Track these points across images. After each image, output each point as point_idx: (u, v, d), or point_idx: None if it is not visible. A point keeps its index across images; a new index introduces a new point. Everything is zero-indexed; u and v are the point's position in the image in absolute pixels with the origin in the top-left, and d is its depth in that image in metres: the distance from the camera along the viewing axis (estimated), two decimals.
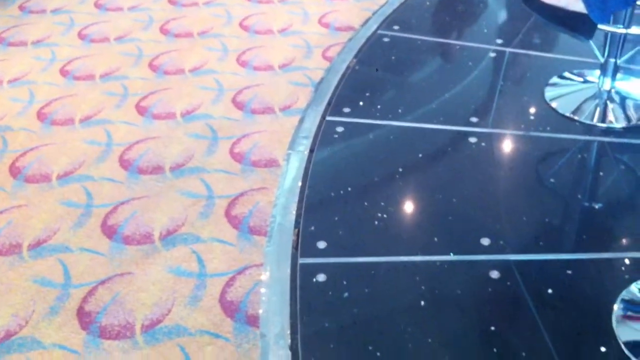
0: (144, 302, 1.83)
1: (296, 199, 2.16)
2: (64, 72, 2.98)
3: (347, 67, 2.90)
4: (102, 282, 1.90)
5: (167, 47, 3.17)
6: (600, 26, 2.30)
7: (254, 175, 2.31)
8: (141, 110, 2.70)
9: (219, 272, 1.91)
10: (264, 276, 1.86)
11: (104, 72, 2.97)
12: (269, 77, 2.91)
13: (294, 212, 2.10)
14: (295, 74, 2.92)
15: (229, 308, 1.80)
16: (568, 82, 2.72)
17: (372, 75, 2.85)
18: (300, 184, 2.22)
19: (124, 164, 2.38)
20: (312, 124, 2.54)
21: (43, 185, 2.30)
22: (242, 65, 3.00)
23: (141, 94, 2.80)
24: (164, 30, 3.31)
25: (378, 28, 3.20)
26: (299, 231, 2.02)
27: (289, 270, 1.87)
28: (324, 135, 2.46)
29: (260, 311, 1.75)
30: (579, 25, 2.18)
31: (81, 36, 3.28)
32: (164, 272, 1.92)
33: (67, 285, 1.90)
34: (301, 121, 2.57)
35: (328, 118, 2.56)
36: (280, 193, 2.19)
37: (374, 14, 3.39)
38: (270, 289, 1.81)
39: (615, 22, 2.36)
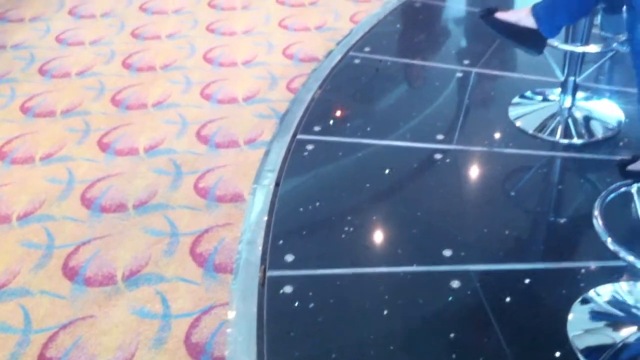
0: (107, 345, 1.80)
1: (262, 233, 2.15)
2: (24, 109, 2.94)
3: (312, 97, 2.92)
4: (64, 327, 1.86)
5: (130, 81, 3.15)
6: (560, 46, 2.38)
7: (219, 210, 2.30)
8: (103, 146, 2.67)
9: (184, 312, 1.89)
10: (230, 315, 1.84)
11: (65, 107, 2.94)
12: (234, 110, 2.90)
13: (260, 248, 2.09)
14: (259, 106, 2.92)
15: (195, 350, 1.77)
16: (530, 100, 2.79)
17: (338, 99, 2.91)
18: (266, 218, 2.21)
19: (86, 202, 2.35)
20: (277, 155, 2.55)
21: (3, 226, 2.26)
22: (206, 98, 3.00)
23: (103, 129, 2.78)
24: (126, 64, 3.30)
25: (342, 57, 3.22)
26: (265, 267, 2.00)
27: (255, 308, 1.85)
28: (291, 160, 2.49)
29: (227, 352, 1.73)
30: (533, 41, 2.25)
31: (42, 72, 3.25)
32: (127, 313, 1.89)
33: (28, 330, 1.85)
34: (266, 154, 2.57)
35: (298, 137, 2.61)
36: (245, 228, 2.18)
37: (337, 44, 3.42)
38: (236, 328, 1.79)
39: (574, 41, 2.42)
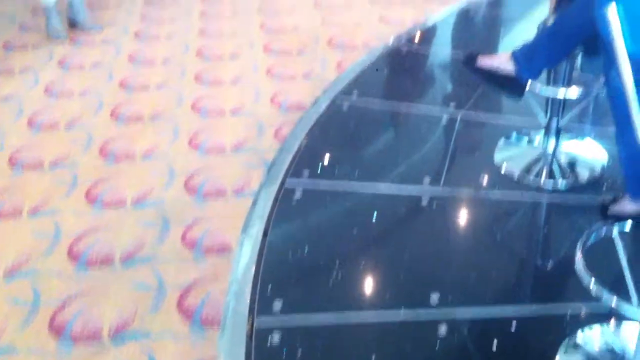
0: None
1: (250, 284, 2.15)
2: (12, 161, 2.96)
3: (300, 144, 2.95)
4: None
5: (118, 131, 3.18)
6: (542, 89, 2.44)
7: (207, 262, 2.30)
8: (91, 198, 2.68)
9: None
10: None
11: (53, 159, 2.95)
12: (221, 160, 2.93)
13: (248, 299, 2.08)
14: (247, 155, 2.95)
15: None
16: (515, 144, 2.83)
17: (326, 145, 2.96)
18: (254, 268, 2.21)
19: (73, 256, 2.35)
20: (265, 204, 2.56)
21: None
22: (194, 148, 3.03)
23: (91, 181, 2.79)
24: (114, 115, 3.33)
25: (330, 104, 3.27)
26: (253, 319, 2.00)
27: None
28: (279, 207, 2.50)
29: None
30: (513, 85, 2.30)
31: (30, 123, 3.27)
32: None
33: None
34: (254, 203, 2.58)
35: (286, 184, 2.62)
36: (233, 280, 2.18)
37: (324, 91, 3.47)
38: None
39: (555, 84, 2.47)
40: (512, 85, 2.30)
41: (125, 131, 3.18)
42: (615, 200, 2.06)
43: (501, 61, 2.28)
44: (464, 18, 4.47)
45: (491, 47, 3.84)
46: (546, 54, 2.20)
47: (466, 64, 2.40)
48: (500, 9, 4.67)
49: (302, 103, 3.38)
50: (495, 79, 2.32)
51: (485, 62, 2.33)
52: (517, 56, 2.25)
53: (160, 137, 3.12)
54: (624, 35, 1.47)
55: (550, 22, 2.31)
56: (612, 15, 1.43)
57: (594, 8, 1.55)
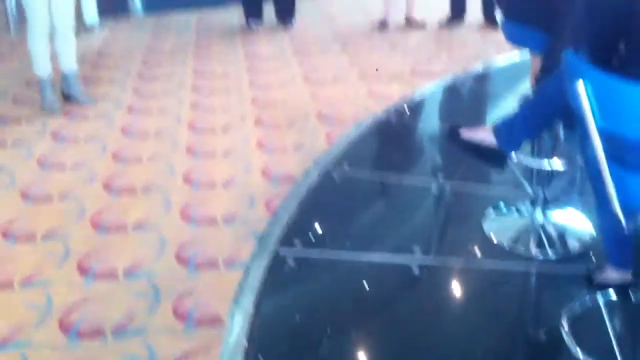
0: None
1: (241, 357, 2.16)
2: (4, 233, 2.98)
3: (291, 215, 3.01)
4: None
5: (110, 203, 3.22)
6: (527, 162, 2.55)
7: (198, 334, 2.31)
8: (82, 269, 2.70)
9: None
10: None
11: (45, 231, 2.98)
12: (213, 231, 2.97)
13: None
14: (239, 227, 2.99)
15: None
16: (504, 214, 2.91)
17: (317, 215, 3.03)
18: (245, 341, 2.22)
19: (64, 328, 2.35)
20: (256, 274, 2.59)
21: None
22: (186, 219, 3.07)
23: (83, 252, 2.81)
24: (107, 187, 3.38)
25: (320, 175, 3.36)
26: None
27: None
28: (270, 279, 2.54)
29: None
30: (495, 157, 2.38)
31: (22, 195, 3.32)
32: None
33: None
34: (245, 274, 2.61)
35: (277, 256, 2.68)
36: (224, 352, 2.19)
37: (315, 162, 3.55)
38: None
39: (539, 157, 2.56)
40: (495, 157, 2.39)
41: (118, 202, 3.23)
42: (599, 268, 2.11)
43: (483, 134, 2.38)
44: (451, 92, 4.62)
45: (477, 120, 3.95)
46: (525, 126, 2.30)
47: (450, 137, 2.50)
48: (486, 84, 4.83)
49: (293, 174, 3.45)
50: (477, 150, 2.41)
51: (468, 134, 2.43)
52: (497, 129, 2.35)
53: (152, 209, 3.16)
54: (593, 110, 1.56)
55: (530, 96, 2.42)
56: (581, 90, 1.53)
57: (566, 83, 1.65)
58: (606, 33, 1.60)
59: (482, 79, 4.83)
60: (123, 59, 5.38)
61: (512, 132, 2.33)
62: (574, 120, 2.03)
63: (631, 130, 1.58)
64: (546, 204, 2.73)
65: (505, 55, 4.97)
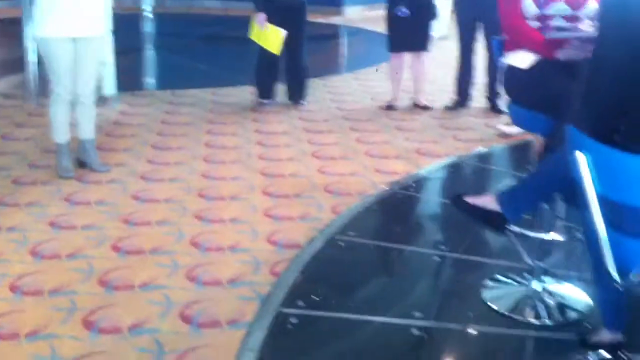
0: None
1: None
2: (13, 288, 3.05)
3: (295, 278, 3.11)
4: None
5: (118, 263, 3.30)
6: (526, 233, 2.67)
7: None
8: (88, 324, 2.75)
9: None
10: None
11: (53, 287, 3.05)
12: (218, 292, 3.03)
13: None
14: (243, 289, 3.06)
15: None
16: (503, 283, 2.99)
17: (320, 279, 3.16)
18: None
19: None
20: (259, 334, 2.65)
21: None
22: (192, 280, 3.14)
23: (89, 308, 2.87)
24: (115, 248, 3.47)
25: (325, 242, 3.48)
26: None
27: None
28: (272, 338, 2.62)
29: None
30: (497, 224, 2.47)
31: (33, 253, 3.40)
32: None
33: None
34: (248, 333, 2.66)
35: (279, 316, 2.76)
36: None
37: (320, 231, 3.64)
38: None
39: (539, 229, 2.66)
40: (496, 224, 2.48)
41: (126, 263, 3.31)
42: (594, 331, 2.17)
43: (487, 201, 2.48)
44: (455, 171, 4.77)
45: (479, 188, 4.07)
46: (529, 196, 2.41)
47: (454, 203, 2.60)
48: (489, 164, 4.97)
49: (299, 242, 3.53)
50: (480, 217, 2.51)
51: (472, 201, 2.53)
52: (502, 197, 2.45)
53: (159, 270, 3.24)
54: (592, 178, 1.68)
55: (534, 169, 2.54)
56: (581, 161, 1.64)
57: (568, 155, 1.76)
58: (606, 112, 1.73)
59: (485, 160, 4.96)
60: (139, 129, 5.57)
61: (515, 200, 2.43)
62: (574, 192, 2.15)
63: (628, 197, 1.68)
64: (544, 275, 2.80)
65: (509, 140, 5.16)
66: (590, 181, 1.70)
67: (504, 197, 2.45)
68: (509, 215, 2.44)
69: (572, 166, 1.75)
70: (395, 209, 4.08)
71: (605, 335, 2.16)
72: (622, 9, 1.71)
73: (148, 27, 9.45)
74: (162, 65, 8.45)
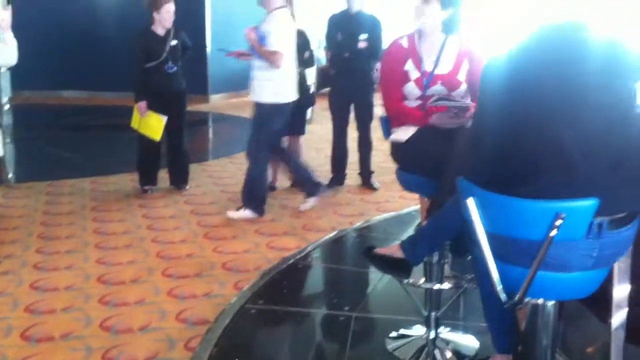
0: None
1: None
2: None
3: (210, 353, 3.31)
4: None
5: (31, 351, 3.35)
6: (421, 284, 3.09)
7: None
8: None
9: None
10: None
11: None
12: None
13: None
14: None
15: None
16: (403, 334, 3.38)
17: (234, 349, 3.36)
18: None
19: None
20: None
21: None
22: None
23: None
24: (25, 337, 3.50)
25: (235, 313, 3.72)
26: None
27: None
28: None
29: None
30: (401, 269, 2.89)
31: None
32: None
33: None
34: None
35: None
36: None
37: (225, 307, 3.86)
38: None
39: (431, 280, 3.07)
40: (400, 269, 2.89)
41: (38, 350, 3.36)
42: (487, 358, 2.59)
43: (393, 250, 2.89)
44: (341, 240, 5.21)
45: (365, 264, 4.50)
46: (427, 242, 2.84)
47: (365, 255, 3.01)
48: (370, 232, 5.43)
49: (207, 318, 3.73)
50: (387, 264, 2.91)
51: (380, 251, 2.94)
52: (404, 245, 2.86)
53: (73, 354, 3.32)
54: (481, 218, 2.12)
55: (431, 217, 2.98)
56: (471, 205, 2.08)
57: (461, 201, 2.20)
58: (489, 165, 2.18)
59: (366, 230, 5.44)
60: (21, 221, 5.55)
61: (416, 246, 2.85)
62: (462, 239, 2.59)
63: (510, 231, 2.13)
64: (438, 324, 3.22)
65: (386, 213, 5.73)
66: (479, 221, 2.13)
67: (406, 245, 2.87)
68: (412, 260, 2.86)
69: (464, 210, 2.17)
70: (295, 278, 4.42)
71: (498, 359, 2.58)
72: (498, 82, 2.18)
73: (9, 120, 9.32)
74: (34, 157, 8.37)
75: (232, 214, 5.65)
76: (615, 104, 2.10)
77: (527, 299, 2.25)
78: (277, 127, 5.62)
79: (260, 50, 5.35)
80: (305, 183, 5.97)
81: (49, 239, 5.11)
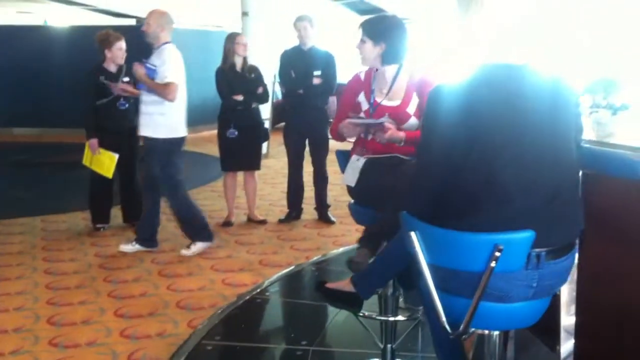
0: None
1: None
2: None
3: None
4: None
5: None
6: (376, 317, 3.18)
7: None
8: None
9: None
10: None
11: None
12: None
13: None
14: None
15: None
16: None
17: None
18: None
19: None
20: None
21: None
22: None
23: None
24: None
25: (192, 351, 3.75)
26: None
27: None
28: None
29: None
30: (352, 303, 2.94)
31: None
32: None
33: None
34: None
35: None
36: None
37: (178, 347, 3.87)
38: None
39: (386, 313, 3.14)
40: (353, 304, 2.95)
41: None
42: None
43: (344, 284, 2.95)
44: (298, 275, 5.25)
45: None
46: (376, 276, 2.92)
47: (317, 289, 3.07)
48: (327, 265, 5.49)
49: (161, 358, 3.73)
50: (338, 298, 2.98)
51: (331, 286, 3.00)
52: (355, 280, 2.93)
53: None
54: (423, 251, 2.22)
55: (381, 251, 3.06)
56: (414, 238, 2.18)
57: (404, 236, 2.28)
58: (429, 201, 2.28)
59: (323, 264, 5.51)
60: None
61: (366, 280, 2.91)
62: (410, 271, 2.67)
63: (450, 263, 2.22)
64: (394, 356, 3.29)
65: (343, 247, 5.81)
66: (422, 253, 2.22)
67: (356, 279, 2.94)
68: (362, 293, 2.92)
69: (407, 243, 2.25)
70: (252, 314, 4.48)
71: None
72: (441, 115, 2.25)
73: None
74: None
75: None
76: (554, 140, 2.21)
77: (472, 330, 2.34)
78: (178, 161, 5.58)
79: (152, 85, 5.36)
80: (190, 226, 5.78)
81: None
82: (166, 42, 5.46)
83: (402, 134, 3.24)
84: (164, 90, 5.33)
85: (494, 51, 2.29)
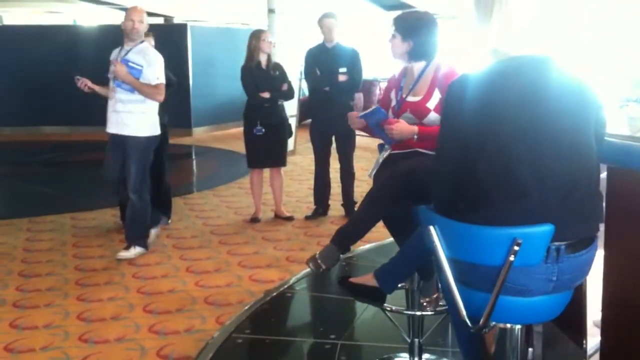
0: None
1: None
2: None
3: None
4: None
5: None
6: (403, 311, 3.23)
7: None
8: None
9: None
10: None
11: None
12: None
13: None
14: None
15: None
16: None
17: None
18: None
19: None
20: None
21: None
22: None
23: None
24: None
25: (214, 354, 3.80)
26: None
27: None
28: None
29: None
30: (376, 297, 3.03)
31: None
32: None
33: None
34: None
35: None
36: None
37: (208, 342, 3.95)
38: None
39: (413, 307, 3.22)
40: (376, 299, 3.03)
41: None
42: None
43: (367, 279, 3.03)
44: (324, 273, 5.30)
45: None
46: (398, 270, 2.99)
47: (340, 284, 3.13)
48: (354, 261, 5.54)
49: (189, 354, 3.82)
50: (361, 292, 3.06)
51: (354, 281, 3.06)
52: (377, 274, 3.00)
53: None
54: (442, 245, 2.25)
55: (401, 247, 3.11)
56: (433, 232, 2.22)
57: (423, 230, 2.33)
58: (448, 195, 2.31)
59: (350, 259, 5.55)
60: (1, 259, 5.63)
61: (389, 275, 2.98)
62: (430, 263, 2.71)
63: (469, 257, 2.25)
64: (421, 351, 3.33)
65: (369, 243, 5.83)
66: (441, 248, 2.26)
67: (379, 273, 3.01)
68: (385, 288, 3.00)
69: (426, 238, 2.29)
70: (280, 309, 4.58)
71: None
72: (458, 107, 2.28)
73: None
74: (13, 194, 8.48)
75: (126, 253, 5.60)
76: (573, 133, 2.23)
77: (493, 324, 2.37)
78: (150, 159, 5.65)
79: (138, 85, 5.36)
80: (139, 229, 5.71)
81: (29, 277, 5.20)
82: (142, 41, 5.54)
83: (414, 128, 3.26)
84: (154, 91, 5.42)
85: (511, 45, 2.31)
